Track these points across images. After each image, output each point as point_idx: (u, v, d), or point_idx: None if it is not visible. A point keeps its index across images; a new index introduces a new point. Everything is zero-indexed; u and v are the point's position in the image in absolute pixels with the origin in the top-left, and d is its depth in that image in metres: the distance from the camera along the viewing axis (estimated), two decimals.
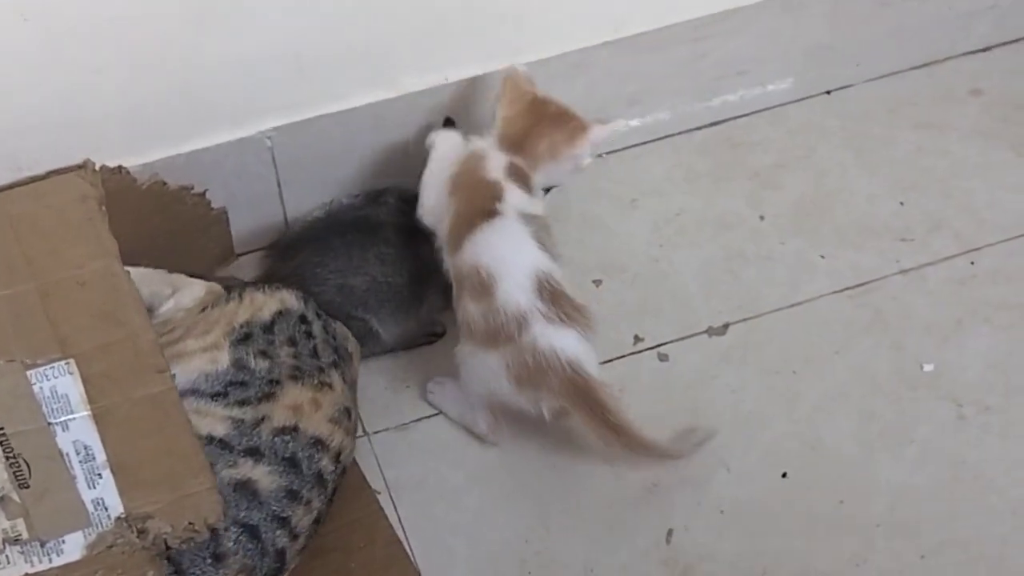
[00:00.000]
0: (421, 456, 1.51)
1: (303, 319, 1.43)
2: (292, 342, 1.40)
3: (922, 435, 1.52)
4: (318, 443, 1.34)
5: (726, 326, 1.62)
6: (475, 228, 1.42)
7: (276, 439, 1.32)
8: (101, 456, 1.18)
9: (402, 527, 1.45)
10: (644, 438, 1.37)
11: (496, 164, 1.45)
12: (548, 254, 1.43)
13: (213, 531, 1.21)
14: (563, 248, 1.55)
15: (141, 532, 1.14)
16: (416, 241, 1.54)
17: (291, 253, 1.57)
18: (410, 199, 1.53)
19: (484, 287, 1.40)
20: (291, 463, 1.31)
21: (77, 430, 1.20)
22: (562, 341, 1.38)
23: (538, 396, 1.40)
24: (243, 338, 1.38)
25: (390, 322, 1.56)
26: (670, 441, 1.43)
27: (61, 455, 1.18)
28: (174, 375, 1.25)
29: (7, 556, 1.13)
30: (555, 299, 1.39)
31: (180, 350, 1.35)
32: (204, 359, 1.36)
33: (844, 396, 1.55)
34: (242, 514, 1.27)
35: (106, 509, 1.16)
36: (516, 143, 1.46)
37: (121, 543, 1.12)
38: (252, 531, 1.27)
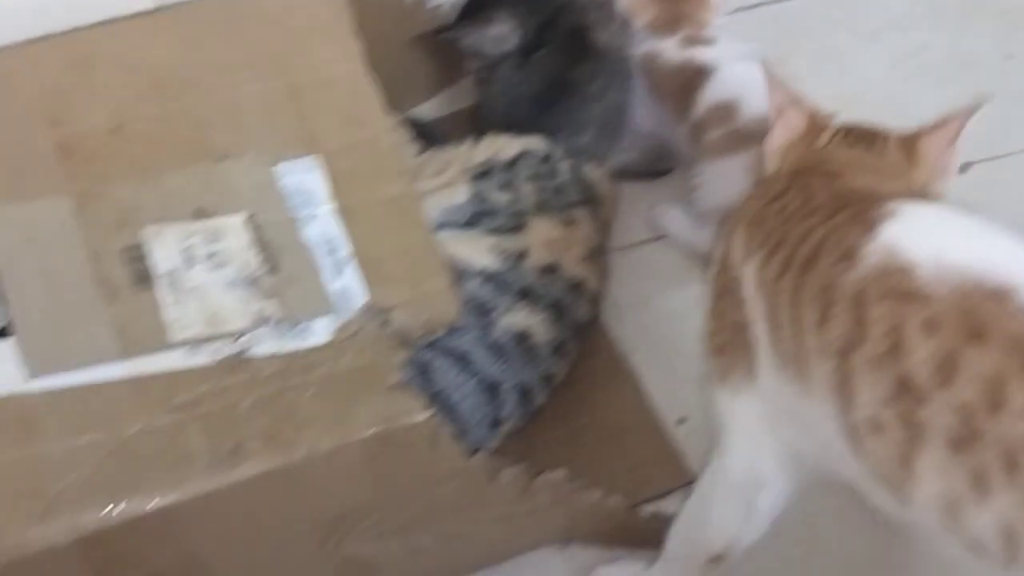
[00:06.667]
0: (645, 278, 1.51)
1: (547, 158, 1.42)
2: (535, 179, 1.39)
3: None
4: (576, 287, 1.34)
5: (968, 165, 1.54)
6: (697, 90, 1.48)
7: (543, 279, 1.31)
8: (346, 249, 1.21)
9: (623, 344, 1.45)
10: None
11: (671, 46, 1.53)
12: None
13: (494, 392, 1.25)
14: (796, 81, 1.50)
15: (384, 323, 1.17)
16: (576, 51, 1.50)
17: None
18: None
19: (728, 110, 1.45)
20: (557, 310, 1.31)
21: (322, 223, 1.22)
22: None
23: None
24: (482, 174, 1.38)
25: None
26: None
27: (307, 246, 1.21)
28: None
29: (258, 335, 1.17)
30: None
31: None
32: (441, 195, 1.36)
33: None
34: (524, 376, 1.28)
35: (350, 299, 1.19)
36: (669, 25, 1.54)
37: (367, 329, 1.15)
38: (526, 393, 1.29)
